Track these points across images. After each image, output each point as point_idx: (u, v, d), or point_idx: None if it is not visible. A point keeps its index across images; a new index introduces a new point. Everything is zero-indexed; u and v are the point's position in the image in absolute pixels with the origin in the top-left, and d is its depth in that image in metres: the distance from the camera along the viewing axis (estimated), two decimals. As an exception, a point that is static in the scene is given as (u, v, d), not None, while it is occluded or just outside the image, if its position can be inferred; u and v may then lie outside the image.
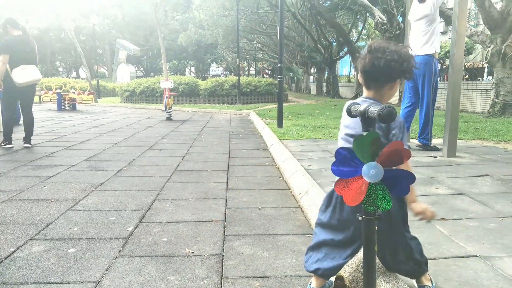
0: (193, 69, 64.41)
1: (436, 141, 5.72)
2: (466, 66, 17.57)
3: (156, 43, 40.71)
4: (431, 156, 4.91)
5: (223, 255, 2.33)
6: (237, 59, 19.90)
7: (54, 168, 4.61)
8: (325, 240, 1.78)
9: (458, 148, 5.04)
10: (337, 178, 1.32)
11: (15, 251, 2.36)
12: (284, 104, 11.06)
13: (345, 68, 42.49)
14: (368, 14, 20.69)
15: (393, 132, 1.62)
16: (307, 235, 2.64)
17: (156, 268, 2.15)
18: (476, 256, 2.13)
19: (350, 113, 1.47)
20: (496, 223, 2.61)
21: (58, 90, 17.17)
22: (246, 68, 57.72)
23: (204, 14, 27.78)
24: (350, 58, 27.12)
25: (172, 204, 3.32)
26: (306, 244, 2.48)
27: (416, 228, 2.45)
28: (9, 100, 6.06)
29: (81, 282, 1.99)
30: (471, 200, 3.12)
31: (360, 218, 1.33)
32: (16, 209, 3.14)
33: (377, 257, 1.80)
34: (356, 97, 15.32)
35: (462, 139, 6.13)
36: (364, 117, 1.34)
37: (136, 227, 2.76)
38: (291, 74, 32.26)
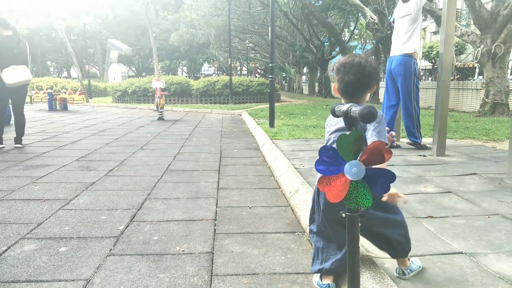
0: (185, 68, 64.41)
1: (425, 140, 5.78)
2: (458, 66, 17.73)
3: (148, 43, 40.61)
4: (420, 155, 4.97)
5: (213, 253, 2.35)
6: (229, 59, 19.86)
7: (45, 168, 4.61)
8: (322, 246, 1.91)
9: (447, 147, 5.12)
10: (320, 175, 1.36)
11: (6, 250, 2.37)
12: (276, 104, 11.11)
13: (337, 68, 42.53)
14: (359, 14, 20.78)
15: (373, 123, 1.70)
16: (296, 233, 2.68)
17: (147, 266, 2.17)
18: (461, 253, 2.17)
19: (334, 113, 1.52)
20: (482, 220, 2.66)
21: (49, 90, 17.05)
22: (238, 68, 57.79)
23: (196, 14, 27.78)
24: (342, 58, 27.22)
25: (163, 203, 3.34)
26: (295, 242, 2.52)
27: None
28: (-1, 101, 6.04)
29: (72, 280, 2.01)
30: (458, 198, 3.17)
31: (344, 215, 1.37)
32: (8, 208, 3.14)
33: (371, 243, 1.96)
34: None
35: (452, 138, 6.20)
36: (347, 116, 1.38)
37: (127, 226, 2.78)
38: (284, 74, 32.34)
